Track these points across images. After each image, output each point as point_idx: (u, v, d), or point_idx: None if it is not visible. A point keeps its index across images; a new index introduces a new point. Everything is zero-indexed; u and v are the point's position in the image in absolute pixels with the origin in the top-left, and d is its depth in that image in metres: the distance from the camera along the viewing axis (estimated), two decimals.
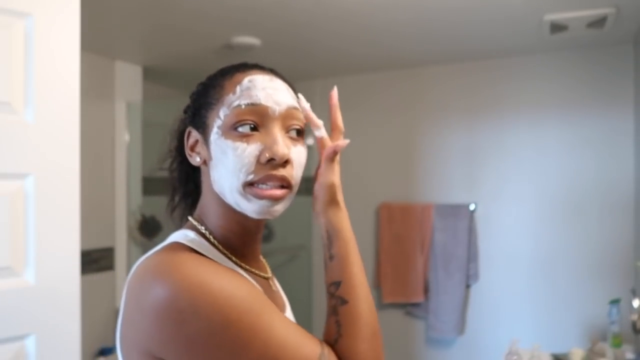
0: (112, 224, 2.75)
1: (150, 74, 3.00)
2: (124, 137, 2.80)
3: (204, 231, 0.71)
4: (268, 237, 2.88)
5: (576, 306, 2.51)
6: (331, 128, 0.73)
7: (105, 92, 2.74)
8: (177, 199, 0.80)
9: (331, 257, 0.69)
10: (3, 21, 1.20)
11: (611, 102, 2.48)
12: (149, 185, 2.79)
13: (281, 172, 0.65)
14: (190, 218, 0.74)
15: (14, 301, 1.20)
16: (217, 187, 0.69)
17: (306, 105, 0.71)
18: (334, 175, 0.71)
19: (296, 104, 0.70)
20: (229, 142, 0.65)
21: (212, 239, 0.71)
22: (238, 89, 0.67)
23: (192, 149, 0.72)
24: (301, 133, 0.70)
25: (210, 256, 0.66)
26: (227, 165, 0.66)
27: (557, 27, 2.18)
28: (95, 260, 2.62)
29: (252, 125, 0.66)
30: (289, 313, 0.80)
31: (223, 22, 2.20)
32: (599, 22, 2.11)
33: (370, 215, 3.05)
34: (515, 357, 1.97)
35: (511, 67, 2.69)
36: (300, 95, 0.72)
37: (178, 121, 0.78)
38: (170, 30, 2.32)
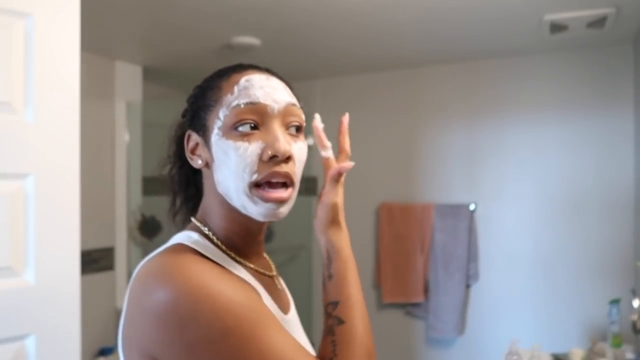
0: (112, 224, 2.75)
1: (150, 74, 3.00)
2: (124, 137, 2.80)
3: (207, 232, 0.71)
4: (268, 237, 2.84)
5: (576, 306, 2.51)
6: (339, 151, 0.75)
7: (105, 92, 2.74)
8: (178, 203, 0.80)
9: (330, 276, 0.70)
10: (3, 21, 1.20)
11: (611, 102, 2.48)
12: (149, 185, 2.79)
13: (284, 168, 0.66)
14: (193, 219, 0.74)
15: (14, 301, 1.20)
16: (221, 189, 0.69)
17: (319, 125, 0.73)
18: (337, 196, 0.72)
19: (294, 101, 0.70)
20: (230, 142, 0.66)
21: (215, 240, 0.71)
22: (236, 89, 0.67)
23: (193, 152, 0.72)
24: (300, 129, 0.71)
25: (214, 258, 0.67)
26: (230, 165, 0.66)
27: (557, 27, 2.18)
28: (95, 260, 2.62)
29: (252, 124, 0.66)
30: (293, 312, 0.80)
31: (223, 22, 2.20)
32: (599, 22, 2.11)
33: (370, 215, 3.05)
34: (515, 357, 1.97)
35: (511, 67, 2.69)
36: (316, 115, 0.73)
37: (176, 126, 0.78)
38: (170, 30, 2.32)
